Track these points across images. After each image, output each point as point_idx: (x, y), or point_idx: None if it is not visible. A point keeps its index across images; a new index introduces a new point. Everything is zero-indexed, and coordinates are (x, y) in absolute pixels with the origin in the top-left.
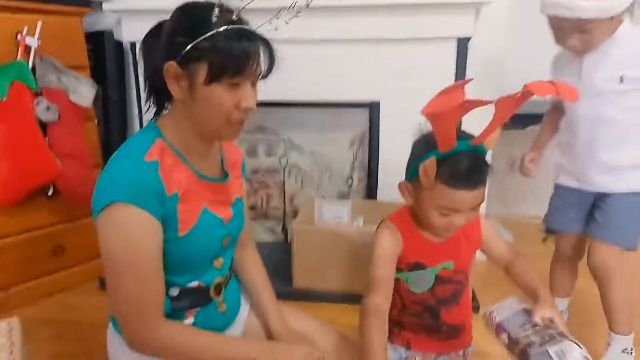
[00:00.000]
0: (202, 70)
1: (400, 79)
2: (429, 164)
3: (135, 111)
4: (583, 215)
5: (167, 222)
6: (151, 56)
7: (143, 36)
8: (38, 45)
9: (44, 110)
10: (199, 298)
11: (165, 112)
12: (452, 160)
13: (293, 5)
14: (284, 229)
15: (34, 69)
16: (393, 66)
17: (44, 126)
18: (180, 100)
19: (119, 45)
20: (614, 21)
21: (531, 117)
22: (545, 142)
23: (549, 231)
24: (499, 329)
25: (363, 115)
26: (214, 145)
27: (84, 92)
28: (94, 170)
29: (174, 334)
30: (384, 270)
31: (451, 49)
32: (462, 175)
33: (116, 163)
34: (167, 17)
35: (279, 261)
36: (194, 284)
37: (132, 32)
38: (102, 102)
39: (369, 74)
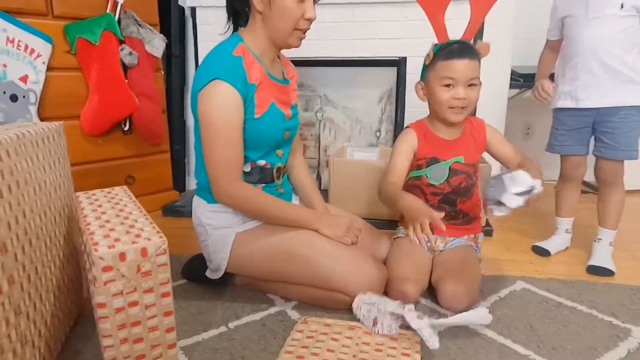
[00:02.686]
0: None
1: (424, 37)
2: (430, 49)
3: (193, 67)
4: (585, 138)
5: (247, 105)
6: None
7: None
8: (123, 2)
9: (127, 54)
10: (265, 176)
11: (240, 29)
12: (446, 44)
13: None
14: (319, 177)
15: (119, 20)
16: (418, 26)
17: (125, 69)
18: (259, 12)
19: (182, 9)
20: None
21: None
22: (547, 72)
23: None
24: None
25: (390, 73)
26: (278, 56)
27: (156, 44)
28: (162, 113)
29: (251, 191)
30: (399, 160)
31: (467, 9)
32: (453, 49)
33: (212, 55)
34: None
35: None
36: (262, 162)
37: None
38: (166, 58)
39: (396, 34)
